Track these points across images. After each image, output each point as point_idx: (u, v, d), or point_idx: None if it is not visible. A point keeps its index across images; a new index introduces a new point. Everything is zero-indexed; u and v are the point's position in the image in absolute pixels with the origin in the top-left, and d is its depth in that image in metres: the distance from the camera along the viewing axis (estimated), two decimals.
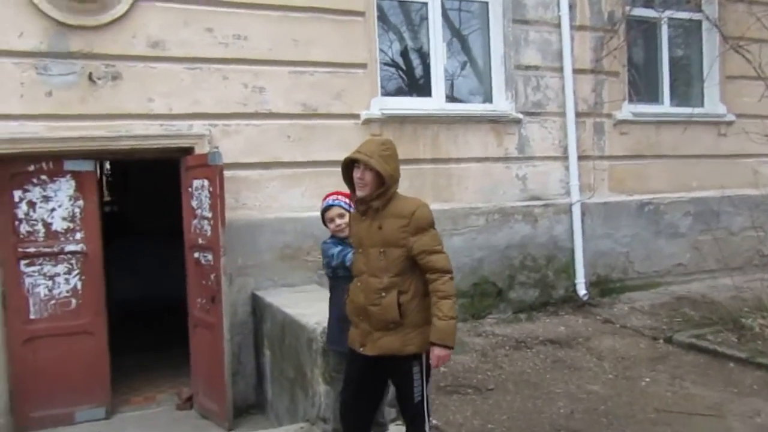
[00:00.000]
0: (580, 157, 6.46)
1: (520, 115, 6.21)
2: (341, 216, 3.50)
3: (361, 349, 3.08)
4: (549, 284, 6.37)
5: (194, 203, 4.97)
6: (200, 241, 4.94)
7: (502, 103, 6.21)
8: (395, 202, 3.06)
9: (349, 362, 3.26)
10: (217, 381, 4.82)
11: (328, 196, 3.59)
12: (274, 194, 5.24)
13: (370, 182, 3.02)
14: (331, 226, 3.51)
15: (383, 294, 2.99)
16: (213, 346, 4.85)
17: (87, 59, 4.72)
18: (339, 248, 3.44)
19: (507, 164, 6.24)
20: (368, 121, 5.55)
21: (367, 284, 3.05)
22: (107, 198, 9.97)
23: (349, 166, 3.10)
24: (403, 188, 5.63)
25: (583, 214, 6.47)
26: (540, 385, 4.54)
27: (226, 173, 5.03)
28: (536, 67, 6.33)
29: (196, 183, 4.91)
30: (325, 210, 3.54)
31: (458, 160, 5.97)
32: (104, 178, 10.02)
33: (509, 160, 6.24)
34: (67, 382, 4.90)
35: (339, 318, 3.40)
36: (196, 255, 5.02)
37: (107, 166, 9.92)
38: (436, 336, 2.95)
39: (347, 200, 3.48)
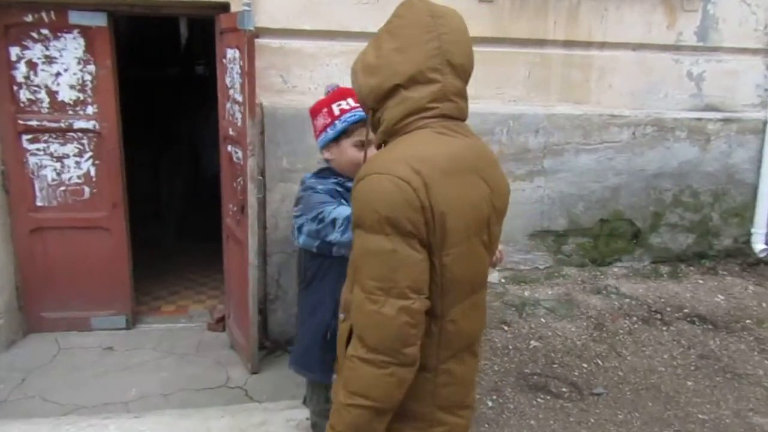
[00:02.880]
0: None
1: None
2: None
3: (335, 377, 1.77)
4: (711, 230, 4.61)
5: (228, 80, 3.75)
6: (231, 131, 3.77)
7: None
8: (390, 145, 1.47)
9: None
10: (243, 310, 3.83)
11: (341, 95, 2.10)
12: (334, 75, 3.86)
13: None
14: (358, 155, 2.00)
15: (341, 316, 1.58)
16: (242, 266, 3.81)
17: None
18: (344, 208, 1.95)
19: (677, 56, 4.35)
20: None
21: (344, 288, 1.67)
22: (200, 61, 9.03)
23: None
24: (520, 80, 4.16)
25: None
26: (675, 399, 3.06)
27: (272, 42, 3.76)
28: None
29: (229, 53, 3.66)
30: (356, 124, 2.03)
31: (603, 45, 4.19)
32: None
33: (681, 49, 4.34)
34: (80, 283, 4.14)
35: (324, 326, 2.11)
36: (228, 148, 3.87)
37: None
38: None
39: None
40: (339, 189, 2.04)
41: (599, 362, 3.34)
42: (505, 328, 3.63)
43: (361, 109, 1.99)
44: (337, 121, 2.05)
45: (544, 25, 4.06)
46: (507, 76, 4.11)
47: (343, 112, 2.05)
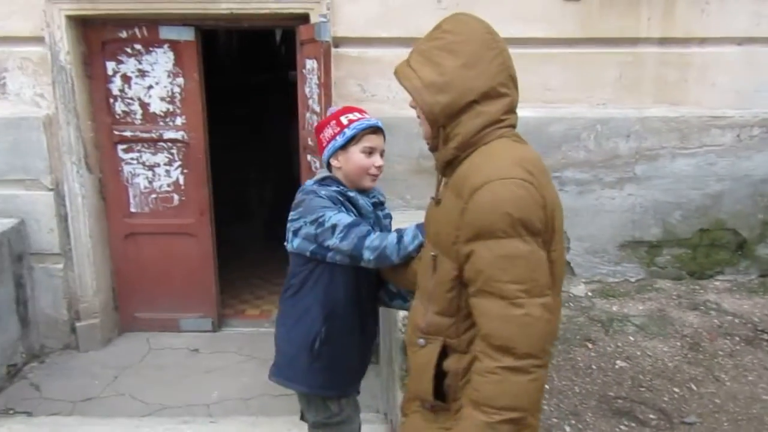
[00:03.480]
0: None
1: None
2: (383, 155, 2.04)
3: (401, 421, 1.72)
4: None
5: (307, 90, 3.78)
6: (309, 141, 3.80)
7: None
8: (472, 158, 1.46)
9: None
10: None
11: (349, 110, 2.11)
12: None
13: (422, 116, 1.51)
14: (366, 162, 2.01)
15: (420, 341, 1.55)
16: None
17: None
18: (344, 216, 1.93)
19: None
20: None
21: (412, 310, 1.63)
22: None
23: None
24: (609, 82, 3.92)
25: None
26: None
27: (351, 51, 3.76)
28: None
29: (308, 64, 3.69)
30: (364, 131, 2.02)
31: (703, 41, 3.87)
32: None
33: None
34: (170, 286, 4.34)
35: (313, 334, 2.07)
36: (308, 158, 3.91)
37: None
38: None
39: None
40: (340, 198, 2.01)
41: (693, 387, 3.07)
42: (589, 345, 3.42)
43: (369, 117, 2.06)
44: (346, 129, 2.04)
45: (637, 23, 3.80)
46: (595, 78, 3.89)
47: (351, 121, 2.05)
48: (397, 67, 1.54)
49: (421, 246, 1.83)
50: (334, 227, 1.90)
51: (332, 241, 1.90)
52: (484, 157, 1.43)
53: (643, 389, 3.06)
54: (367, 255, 1.87)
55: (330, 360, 2.10)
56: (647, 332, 3.56)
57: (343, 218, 1.92)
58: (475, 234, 1.36)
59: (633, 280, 4.11)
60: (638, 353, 3.37)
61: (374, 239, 1.88)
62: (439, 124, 1.47)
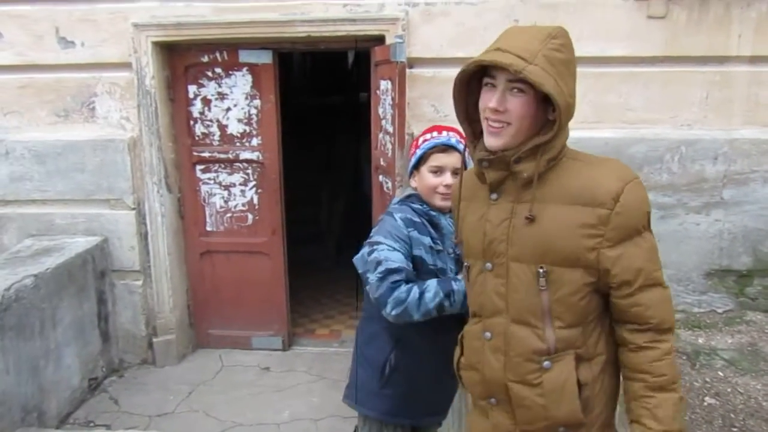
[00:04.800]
0: None
1: None
2: (457, 174, 1.94)
3: None
4: None
5: (380, 111, 3.79)
6: (381, 161, 3.79)
7: None
8: (566, 167, 1.49)
9: None
10: None
11: (432, 129, 2.09)
12: None
13: (521, 117, 1.44)
14: (433, 181, 2.00)
15: (546, 363, 1.50)
16: None
17: None
18: (397, 255, 1.90)
19: None
20: None
21: (510, 340, 1.54)
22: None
23: (470, 83, 1.53)
24: (695, 102, 3.75)
25: None
26: None
27: (425, 72, 3.76)
28: None
29: (383, 84, 3.69)
30: (431, 150, 2.01)
31: None
32: None
33: None
34: (243, 304, 4.41)
35: (383, 359, 2.06)
36: (380, 178, 3.90)
37: None
38: None
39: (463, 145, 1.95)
40: (416, 219, 1.99)
41: None
42: None
43: (440, 136, 2.03)
44: (417, 149, 2.07)
45: (726, 40, 3.62)
46: (680, 97, 3.72)
47: (425, 141, 2.06)
48: (523, 67, 1.37)
49: (442, 305, 1.84)
50: (378, 263, 1.88)
51: (371, 276, 1.89)
52: (585, 164, 1.50)
53: (735, 429, 2.86)
54: (390, 308, 1.84)
55: (400, 387, 2.07)
56: (738, 368, 3.34)
57: (393, 259, 1.88)
58: (627, 234, 1.44)
59: (720, 311, 3.88)
60: (729, 390, 3.16)
61: (402, 292, 1.84)
62: (560, 127, 1.45)
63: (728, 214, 3.79)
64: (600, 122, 3.71)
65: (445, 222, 2.03)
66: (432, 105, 3.80)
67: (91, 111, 4.03)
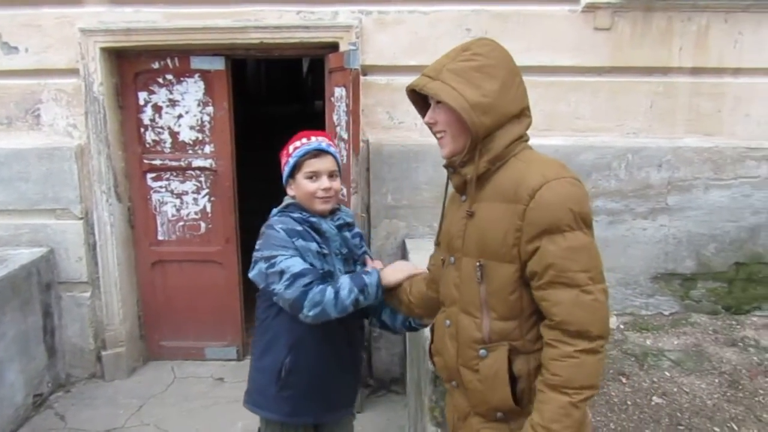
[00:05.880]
0: None
1: None
2: (333, 176, 2.05)
3: None
4: None
5: (335, 118, 3.79)
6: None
7: None
8: (509, 167, 1.58)
9: None
10: None
11: (300, 136, 2.13)
12: None
13: (450, 128, 1.61)
14: (310, 187, 2.04)
15: (482, 351, 1.60)
16: None
17: None
18: (296, 261, 1.93)
19: None
20: (592, 7, 3.69)
21: (459, 327, 1.65)
22: None
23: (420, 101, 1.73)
24: (641, 111, 3.87)
25: None
26: None
27: (380, 79, 3.78)
28: None
29: (337, 92, 3.70)
30: (303, 157, 2.06)
31: (737, 72, 3.81)
32: None
33: None
34: (196, 314, 4.33)
35: (278, 364, 2.08)
36: None
37: None
38: None
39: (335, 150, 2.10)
40: (298, 228, 2.01)
41: (734, 426, 2.95)
42: (623, 380, 3.32)
43: (310, 142, 2.07)
44: (290, 158, 2.08)
45: (669, 52, 3.76)
46: (626, 107, 3.84)
47: (295, 148, 2.09)
48: (425, 83, 1.58)
49: (357, 300, 1.90)
50: (282, 273, 1.91)
51: (278, 287, 1.91)
52: (525, 163, 1.55)
53: (681, 428, 2.95)
54: (306, 310, 1.89)
55: (297, 389, 2.10)
56: (683, 368, 3.45)
57: (294, 265, 1.92)
58: (542, 230, 1.46)
59: (667, 313, 4.00)
60: (675, 389, 3.26)
61: (316, 293, 1.88)
62: (477, 142, 1.56)
63: (673, 219, 3.92)
64: (550, 130, 3.80)
65: (327, 226, 2.08)
66: (387, 112, 3.82)
67: (36, 118, 3.91)
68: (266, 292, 2.02)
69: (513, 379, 1.56)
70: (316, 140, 2.09)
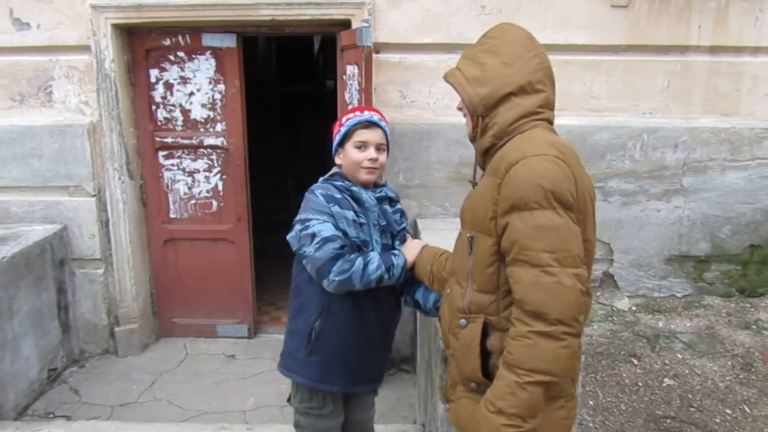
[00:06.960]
0: None
1: None
2: (380, 149, 2.10)
3: (446, 407, 1.82)
4: None
5: (347, 96, 3.76)
6: None
7: None
8: (510, 143, 1.57)
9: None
10: None
11: (354, 110, 2.20)
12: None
13: (465, 108, 1.66)
14: (358, 156, 2.09)
15: (462, 321, 1.63)
16: None
17: None
18: (328, 227, 1.97)
19: None
20: None
21: (451, 295, 1.70)
22: None
23: None
24: (657, 91, 3.81)
25: None
26: None
27: (392, 57, 3.74)
28: None
29: (349, 70, 3.66)
30: (354, 126, 2.11)
31: (757, 51, 3.74)
32: None
33: None
34: (208, 292, 4.35)
35: (309, 327, 2.13)
36: None
37: None
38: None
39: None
40: (338, 195, 2.05)
41: (746, 409, 2.94)
42: (635, 362, 3.31)
43: (363, 114, 2.14)
44: (341, 128, 2.15)
45: (687, 30, 3.70)
46: (642, 86, 3.79)
47: (347, 119, 2.15)
48: (446, 72, 1.70)
49: (381, 278, 1.96)
50: (313, 236, 1.96)
51: (308, 249, 1.96)
52: (520, 140, 1.54)
53: (693, 409, 2.95)
54: (333, 275, 1.93)
55: (326, 354, 2.13)
56: (696, 350, 3.43)
57: (325, 229, 1.96)
58: (511, 206, 1.45)
59: (680, 295, 3.98)
60: (686, 371, 3.25)
61: (346, 260, 1.93)
62: (478, 114, 1.59)
63: (687, 201, 3.88)
64: (564, 110, 3.72)
65: (367, 196, 2.10)
66: (399, 90, 3.79)
67: (48, 95, 3.91)
68: (299, 255, 2.05)
69: (487, 354, 1.57)
70: (369, 113, 2.16)
